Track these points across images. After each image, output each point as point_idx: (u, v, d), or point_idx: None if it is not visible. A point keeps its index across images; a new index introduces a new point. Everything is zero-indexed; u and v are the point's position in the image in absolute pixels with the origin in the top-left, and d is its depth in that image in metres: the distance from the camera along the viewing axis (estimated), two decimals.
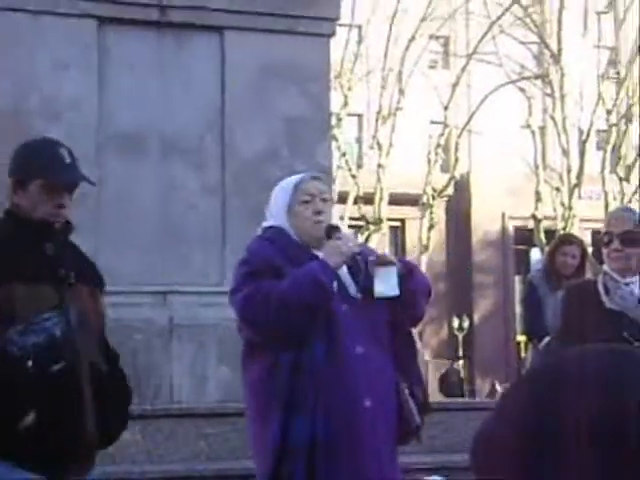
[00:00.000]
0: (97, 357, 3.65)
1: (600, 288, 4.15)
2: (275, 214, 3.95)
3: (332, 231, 3.86)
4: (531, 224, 28.02)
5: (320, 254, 3.83)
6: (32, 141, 3.87)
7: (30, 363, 3.45)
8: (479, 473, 1.18)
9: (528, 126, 27.77)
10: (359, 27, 28.14)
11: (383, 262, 3.82)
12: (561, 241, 7.20)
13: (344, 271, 3.86)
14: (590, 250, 8.05)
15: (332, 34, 7.48)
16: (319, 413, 3.68)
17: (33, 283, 3.51)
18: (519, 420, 1.13)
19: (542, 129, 29.77)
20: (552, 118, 27.30)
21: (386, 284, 3.75)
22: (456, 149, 28.67)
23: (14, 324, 3.45)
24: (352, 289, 3.89)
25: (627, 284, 4.12)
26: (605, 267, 4.20)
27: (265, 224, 3.99)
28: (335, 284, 3.81)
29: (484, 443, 1.18)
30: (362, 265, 3.86)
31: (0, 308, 3.45)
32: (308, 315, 3.72)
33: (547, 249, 7.49)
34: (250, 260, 3.87)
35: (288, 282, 3.74)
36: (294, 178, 4.00)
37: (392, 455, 3.89)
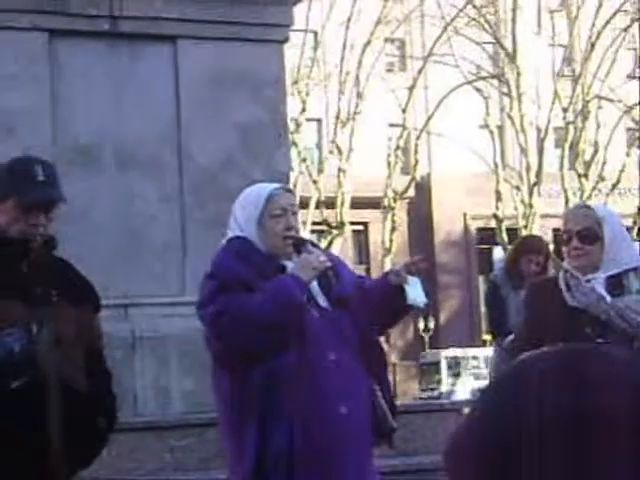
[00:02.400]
0: (73, 376, 3.59)
1: (562, 285, 4.15)
2: (242, 224, 3.89)
3: (301, 245, 3.84)
4: (493, 223, 28.18)
5: (289, 264, 3.81)
6: (10, 160, 3.83)
7: None
8: (452, 477, 1.17)
9: (486, 126, 27.94)
10: (314, 32, 28.18)
11: (410, 272, 3.87)
12: (527, 249, 7.13)
13: (313, 282, 3.85)
14: (551, 248, 8.07)
15: (285, 40, 7.46)
16: (296, 422, 3.66)
17: (1, 300, 3.47)
18: (484, 431, 1.12)
19: (500, 128, 29.98)
20: (510, 117, 27.48)
21: (417, 293, 3.83)
22: (415, 151, 28.78)
23: None
24: (321, 300, 3.87)
25: (588, 281, 4.13)
26: (566, 264, 4.21)
27: (230, 234, 3.94)
28: (304, 295, 3.80)
29: (455, 455, 1.17)
30: (332, 278, 3.85)
31: None
32: (280, 333, 3.69)
33: (511, 250, 7.47)
34: (217, 274, 3.82)
35: (260, 299, 3.70)
36: (264, 189, 3.94)
37: (369, 460, 3.89)
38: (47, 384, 3.49)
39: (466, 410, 6.42)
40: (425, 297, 3.85)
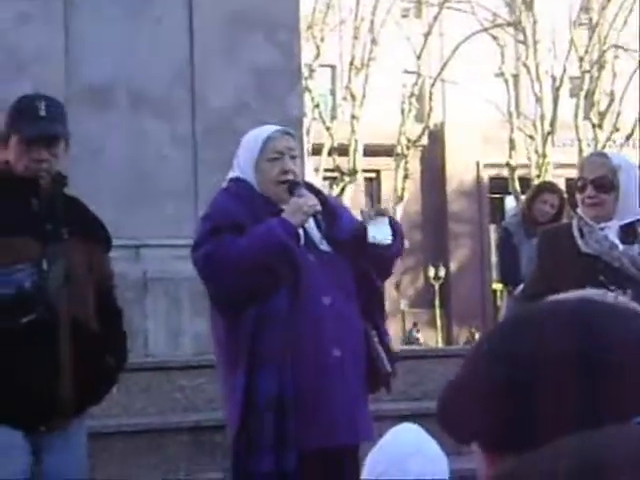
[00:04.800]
0: (84, 314, 3.60)
1: (575, 232, 4.13)
2: (243, 167, 3.87)
3: (294, 188, 3.80)
4: (505, 172, 28.07)
5: (285, 207, 3.78)
6: (19, 97, 3.83)
7: None
8: (446, 419, 1.17)
9: (501, 74, 27.71)
10: None
11: (378, 212, 3.80)
12: (542, 189, 7.16)
13: (311, 224, 3.82)
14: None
15: None
16: (287, 365, 3.64)
17: (12, 236, 3.48)
18: (491, 370, 1.12)
19: (515, 77, 29.74)
20: (525, 66, 27.25)
21: (380, 232, 3.73)
22: (430, 99, 28.60)
23: None
24: (320, 242, 3.84)
25: (602, 229, 4.11)
26: (579, 211, 4.19)
27: (231, 175, 3.92)
28: (302, 238, 3.77)
29: (454, 390, 1.17)
30: (321, 222, 3.82)
31: None
32: (267, 275, 3.66)
33: (526, 195, 7.46)
34: (213, 215, 3.81)
35: (247, 242, 3.67)
36: (263, 131, 3.90)
37: (363, 404, 3.87)
38: (57, 320, 3.51)
39: None
40: (389, 236, 3.74)
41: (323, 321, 3.73)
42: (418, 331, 30.14)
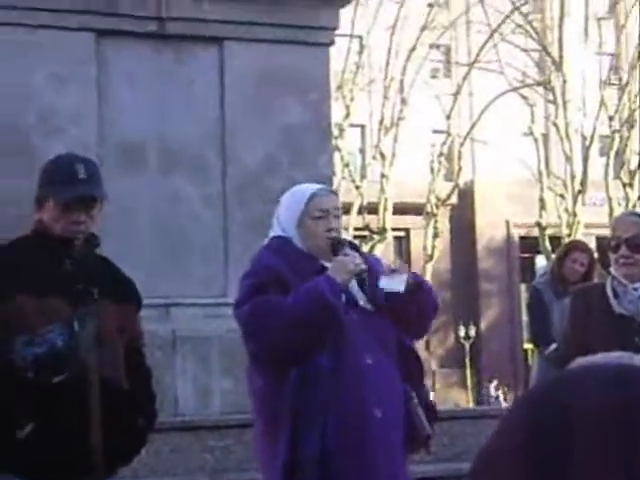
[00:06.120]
0: (115, 374, 3.61)
1: (609, 292, 4.09)
2: (284, 224, 3.88)
3: (339, 246, 3.82)
4: (536, 232, 27.98)
5: (329, 265, 3.78)
6: (55, 157, 3.89)
7: (31, 374, 3.43)
8: None
9: (531, 133, 27.75)
10: (360, 37, 28.15)
11: (396, 269, 3.81)
12: (571, 247, 7.14)
13: (353, 282, 3.82)
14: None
15: (331, 43, 7.45)
16: (329, 425, 3.62)
17: (45, 297, 3.51)
18: (522, 438, 1.10)
19: (545, 136, 29.77)
20: (555, 125, 27.28)
21: (393, 281, 3.73)
22: (459, 157, 28.66)
23: (21, 335, 3.45)
24: (362, 300, 3.84)
25: (636, 289, 4.07)
26: (613, 271, 4.15)
27: (272, 234, 3.93)
28: (343, 296, 3.77)
29: (487, 456, 1.15)
30: (366, 281, 3.82)
31: (10, 320, 3.47)
32: (312, 333, 3.66)
33: (556, 254, 7.43)
34: (256, 272, 3.81)
35: (293, 299, 3.67)
36: (309, 189, 3.92)
37: (403, 465, 3.85)
38: (88, 380, 3.51)
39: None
40: (402, 287, 3.71)
41: (364, 381, 3.72)
42: (498, 389, 29.69)
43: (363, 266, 3.76)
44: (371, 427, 3.69)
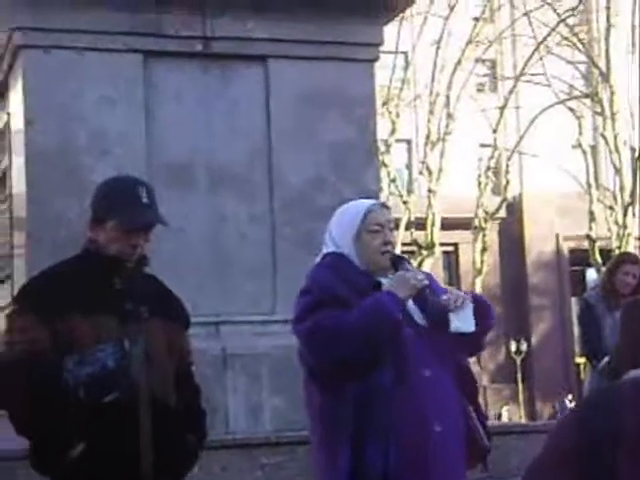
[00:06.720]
0: (165, 392, 3.63)
1: None
2: (338, 241, 3.88)
3: (400, 262, 3.83)
4: (586, 244, 27.76)
5: (384, 280, 3.79)
6: (114, 179, 3.90)
7: (82, 393, 3.46)
8: None
9: (579, 145, 27.57)
10: (405, 53, 28.18)
11: (460, 301, 3.76)
12: (622, 260, 7.08)
13: (409, 300, 3.82)
14: None
15: (376, 59, 7.46)
16: (391, 441, 3.61)
17: (95, 315, 3.54)
18: (571, 452, 1.10)
19: (593, 148, 29.58)
20: (603, 137, 27.09)
21: (463, 320, 3.72)
22: (506, 171, 28.54)
23: (73, 354, 3.47)
24: (417, 316, 3.83)
25: None
26: None
27: (325, 250, 3.94)
28: (401, 312, 3.77)
29: (535, 473, 1.15)
30: (429, 296, 3.81)
31: (61, 339, 3.50)
32: (376, 349, 3.66)
33: (607, 266, 7.36)
34: (312, 289, 3.82)
35: (356, 315, 3.67)
36: (364, 204, 3.94)
37: (462, 479, 3.84)
38: (139, 399, 3.53)
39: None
40: (473, 325, 3.70)
41: (424, 395, 3.70)
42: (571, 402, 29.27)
43: (425, 282, 3.77)
44: (432, 442, 3.67)
